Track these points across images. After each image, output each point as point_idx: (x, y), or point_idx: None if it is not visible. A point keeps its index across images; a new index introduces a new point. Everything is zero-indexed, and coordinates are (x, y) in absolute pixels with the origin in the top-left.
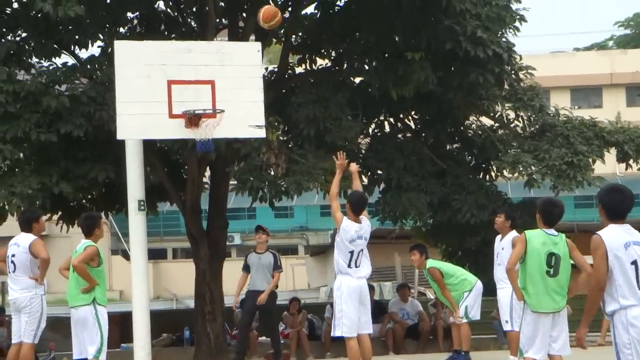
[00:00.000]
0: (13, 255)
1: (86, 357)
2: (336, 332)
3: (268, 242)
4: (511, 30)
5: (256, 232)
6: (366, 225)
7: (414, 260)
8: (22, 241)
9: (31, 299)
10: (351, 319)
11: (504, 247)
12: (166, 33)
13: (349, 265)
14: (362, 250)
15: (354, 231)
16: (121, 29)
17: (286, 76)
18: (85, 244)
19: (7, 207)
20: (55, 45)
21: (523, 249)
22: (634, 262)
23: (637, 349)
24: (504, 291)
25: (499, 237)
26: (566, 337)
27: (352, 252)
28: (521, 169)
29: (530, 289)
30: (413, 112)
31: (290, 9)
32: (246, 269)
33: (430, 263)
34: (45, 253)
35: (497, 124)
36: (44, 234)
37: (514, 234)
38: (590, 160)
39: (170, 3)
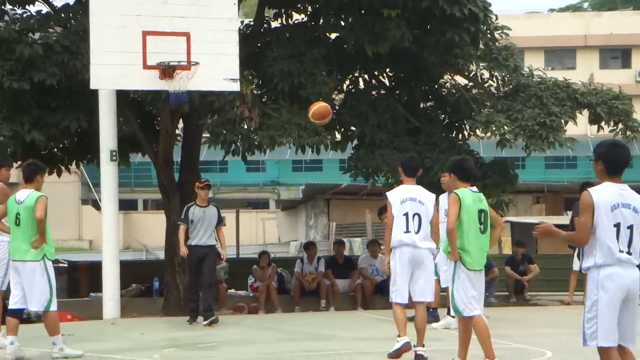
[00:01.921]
0: None
1: (24, 307)
2: (390, 298)
3: (240, 196)
4: None
5: (203, 189)
6: (423, 190)
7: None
8: None
9: None
10: (402, 286)
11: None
12: None
13: (406, 230)
14: (418, 214)
15: (403, 193)
16: None
17: (262, 30)
18: (35, 195)
19: None
20: None
21: (458, 208)
22: (617, 225)
23: (603, 306)
24: None
25: (444, 194)
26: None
27: (406, 215)
28: (494, 128)
29: (469, 247)
30: (388, 70)
31: None
32: (186, 221)
33: None
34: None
35: (471, 83)
36: (12, 182)
37: None
38: (563, 121)
39: None
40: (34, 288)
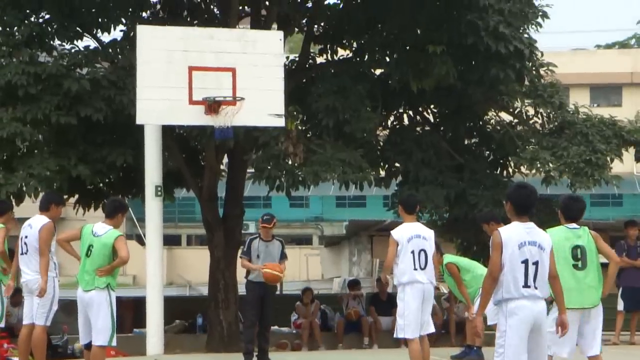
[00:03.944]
0: (25, 237)
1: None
2: (399, 334)
3: (283, 232)
4: (533, 26)
5: (270, 222)
6: (424, 228)
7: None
8: (35, 223)
9: None
10: (415, 320)
11: None
12: (188, 19)
13: (414, 268)
14: (424, 250)
15: (408, 231)
16: (144, 14)
17: (307, 66)
18: (114, 234)
19: (24, 188)
20: (78, 28)
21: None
22: (525, 262)
23: (511, 335)
24: None
25: None
26: (599, 336)
27: (413, 253)
28: (539, 165)
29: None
30: (432, 106)
31: None
32: (248, 255)
33: (448, 258)
34: (46, 239)
35: (516, 120)
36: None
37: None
38: (609, 158)
39: None
40: (98, 320)
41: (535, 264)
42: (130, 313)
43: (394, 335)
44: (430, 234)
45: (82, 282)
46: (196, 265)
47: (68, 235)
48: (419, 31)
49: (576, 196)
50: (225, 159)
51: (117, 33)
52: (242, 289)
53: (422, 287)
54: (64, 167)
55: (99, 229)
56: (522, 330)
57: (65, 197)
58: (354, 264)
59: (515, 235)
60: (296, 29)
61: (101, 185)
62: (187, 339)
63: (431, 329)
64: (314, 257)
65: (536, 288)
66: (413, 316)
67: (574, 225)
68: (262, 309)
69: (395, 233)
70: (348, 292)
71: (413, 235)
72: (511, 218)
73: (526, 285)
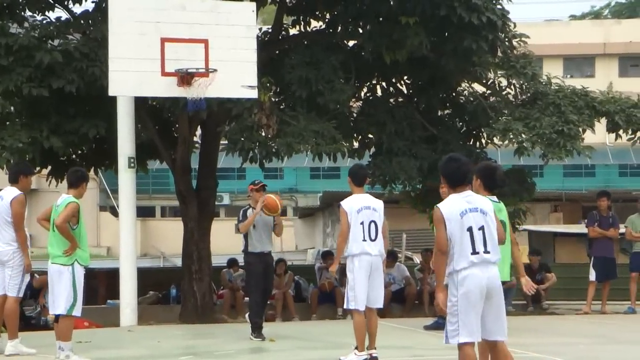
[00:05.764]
0: None
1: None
2: (350, 306)
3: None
4: None
5: (259, 191)
6: (374, 199)
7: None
8: (5, 195)
9: (14, 253)
10: (363, 292)
11: None
12: None
13: (363, 239)
14: (374, 222)
15: (358, 203)
16: None
17: (280, 37)
18: (67, 200)
19: None
20: None
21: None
22: (469, 229)
23: (463, 305)
24: None
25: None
26: None
27: (362, 224)
28: (511, 136)
29: None
30: (406, 77)
31: None
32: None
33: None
34: (20, 213)
35: (489, 91)
36: (32, 188)
37: None
38: (581, 129)
39: None
40: (60, 291)
41: (481, 228)
42: (103, 284)
43: (344, 306)
44: (379, 205)
45: (50, 256)
46: (170, 237)
47: (45, 213)
48: (392, 2)
49: (495, 165)
50: (199, 131)
51: (88, 4)
52: (215, 260)
53: (371, 259)
54: (37, 139)
55: (59, 200)
56: (473, 299)
57: (38, 168)
58: (327, 235)
59: (455, 207)
60: (269, 0)
61: (74, 156)
62: (160, 310)
63: (380, 304)
64: (287, 228)
65: (487, 252)
66: (361, 288)
67: (494, 197)
68: (265, 282)
69: (345, 204)
70: (322, 264)
71: (363, 207)
72: (448, 191)
73: (475, 252)
